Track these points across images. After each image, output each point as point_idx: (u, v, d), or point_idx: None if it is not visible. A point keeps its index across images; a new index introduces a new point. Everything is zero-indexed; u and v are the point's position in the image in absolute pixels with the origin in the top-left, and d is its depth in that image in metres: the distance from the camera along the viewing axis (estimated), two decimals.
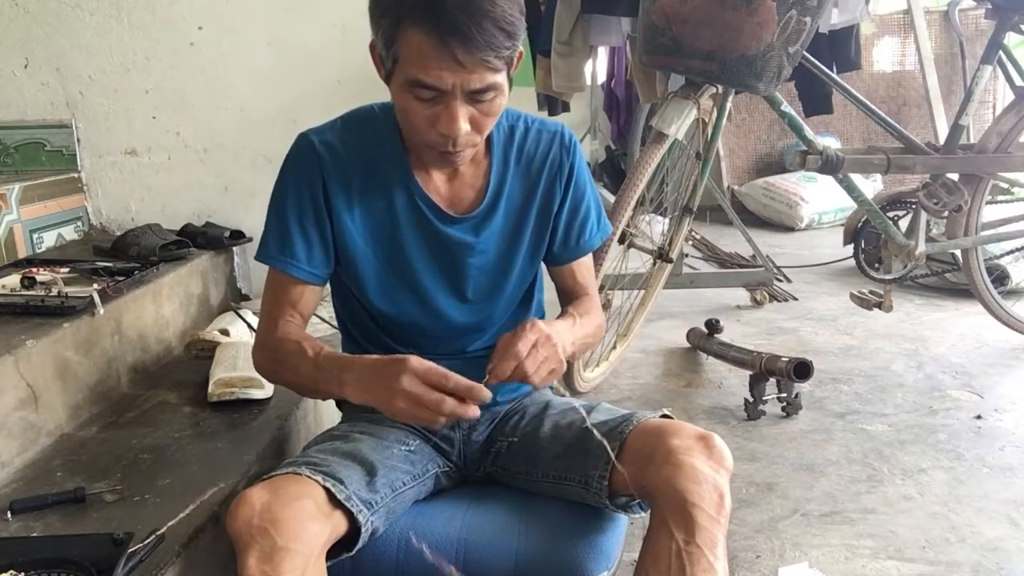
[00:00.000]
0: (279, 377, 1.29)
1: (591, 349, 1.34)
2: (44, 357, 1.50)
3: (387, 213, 1.26)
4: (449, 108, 1.09)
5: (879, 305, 2.67)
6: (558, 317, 1.30)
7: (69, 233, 2.27)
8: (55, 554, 1.09)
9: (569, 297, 1.41)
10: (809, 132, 2.37)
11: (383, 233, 1.26)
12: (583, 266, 1.40)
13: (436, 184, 1.27)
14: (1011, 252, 3.06)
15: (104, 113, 2.33)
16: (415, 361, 1.08)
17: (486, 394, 1.07)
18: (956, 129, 2.56)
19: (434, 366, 1.09)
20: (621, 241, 2.47)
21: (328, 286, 1.35)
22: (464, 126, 1.10)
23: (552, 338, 1.14)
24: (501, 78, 1.10)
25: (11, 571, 1.04)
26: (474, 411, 1.07)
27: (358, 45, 2.30)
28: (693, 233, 4.03)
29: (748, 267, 3.73)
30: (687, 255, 3.53)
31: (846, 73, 2.98)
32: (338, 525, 1.09)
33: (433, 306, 1.30)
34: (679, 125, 2.18)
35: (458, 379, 1.08)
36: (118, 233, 2.20)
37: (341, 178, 1.24)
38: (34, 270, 1.84)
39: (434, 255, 1.28)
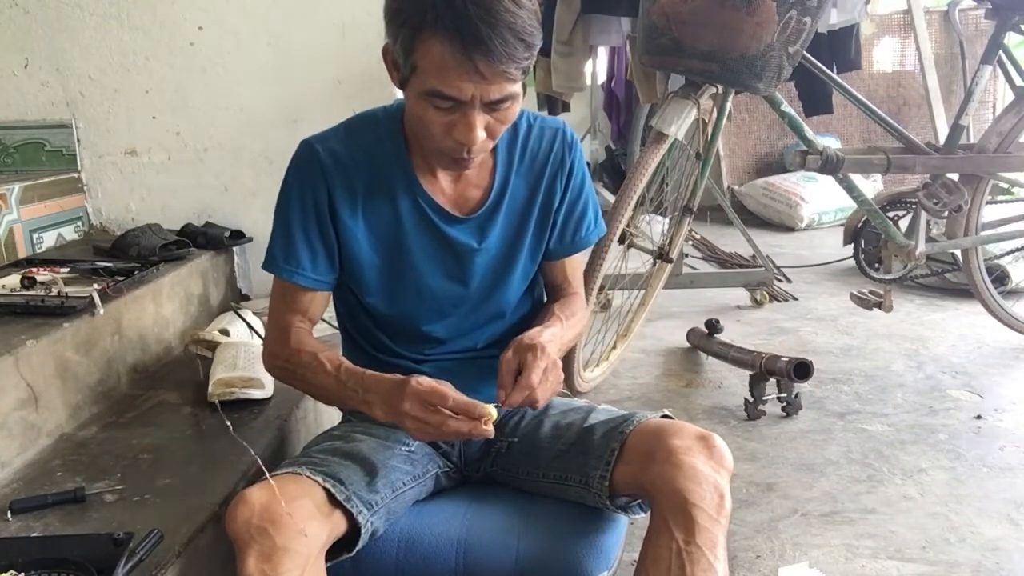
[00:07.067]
0: (294, 385, 1.29)
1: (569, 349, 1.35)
2: (44, 357, 1.49)
3: (392, 216, 1.25)
4: (467, 117, 1.08)
5: (879, 305, 2.67)
6: (544, 320, 1.28)
7: (69, 233, 2.27)
8: (55, 554, 1.08)
9: (555, 293, 1.40)
10: (809, 132, 2.37)
11: (388, 237, 1.26)
12: (575, 262, 1.40)
13: (441, 185, 1.26)
14: (1011, 252, 3.06)
15: (104, 113, 2.32)
16: (414, 383, 1.08)
17: (484, 409, 1.06)
18: (956, 129, 2.56)
19: (436, 387, 1.07)
20: (621, 241, 2.47)
21: None
22: (481, 134, 1.10)
23: (558, 362, 1.14)
24: (518, 87, 1.09)
25: (11, 571, 1.04)
26: (482, 430, 1.06)
27: (358, 45, 2.32)
28: (693, 233, 4.03)
29: (748, 267, 3.73)
30: (687, 255, 3.53)
31: (846, 73, 2.99)
32: (337, 525, 1.10)
33: (438, 307, 1.30)
34: (679, 125, 2.18)
35: (457, 398, 1.06)
36: (118, 233, 2.20)
37: (346, 184, 1.23)
38: (34, 270, 1.84)
39: (438, 256, 1.27)
